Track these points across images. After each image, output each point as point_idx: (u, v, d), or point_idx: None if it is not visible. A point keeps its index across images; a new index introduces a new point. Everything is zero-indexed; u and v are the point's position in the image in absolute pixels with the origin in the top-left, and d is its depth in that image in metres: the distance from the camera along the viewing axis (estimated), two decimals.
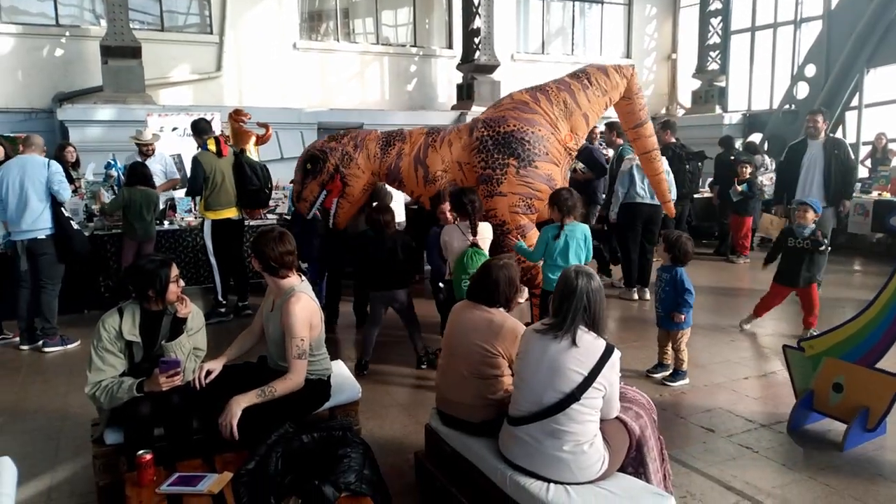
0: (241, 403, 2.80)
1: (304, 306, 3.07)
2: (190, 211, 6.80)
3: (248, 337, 3.41)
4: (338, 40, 12.16)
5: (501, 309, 2.91)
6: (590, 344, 2.46)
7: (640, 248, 6.70)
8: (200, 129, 6.16)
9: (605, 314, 2.57)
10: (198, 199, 6.37)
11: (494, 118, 4.95)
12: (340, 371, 3.62)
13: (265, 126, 6.80)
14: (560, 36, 14.23)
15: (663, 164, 5.85)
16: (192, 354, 3.10)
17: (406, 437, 3.76)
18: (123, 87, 9.22)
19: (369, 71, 12.31)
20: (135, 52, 9.28)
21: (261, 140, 7.27)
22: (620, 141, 6.98)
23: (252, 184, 6.06)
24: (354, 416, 3.51)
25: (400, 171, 5.08)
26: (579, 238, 4.43)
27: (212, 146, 5.96)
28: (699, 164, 8.30)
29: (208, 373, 3.04)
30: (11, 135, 7.56)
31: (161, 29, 10.67)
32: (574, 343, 2.42)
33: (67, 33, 9.93)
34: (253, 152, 6.93)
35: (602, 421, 2.50)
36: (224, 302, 6.08)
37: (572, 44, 14.23)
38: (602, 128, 7.78)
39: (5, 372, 4.89)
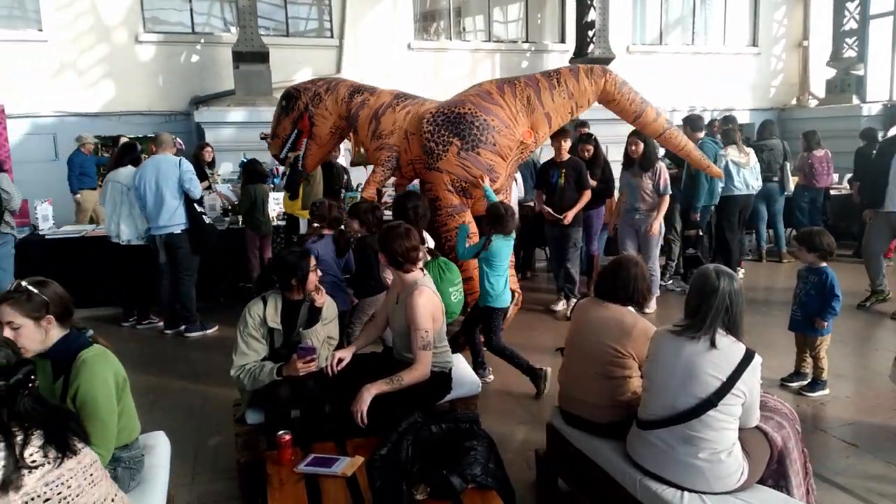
0: (371, 391, 2.91)
1: (428, 299, 3.15)
2: None
3: (373, 328, 3.55)
4: (450, 39, 12.30)
5: (631, 308, 2.84)
6: (728, 347, 2.34)
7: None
8: None
9: (744, 317, 2.45)
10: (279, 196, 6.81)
11: (454, 100, 5.10)
12: (459, 365, 3.67)
13: None
14: (679, 25, 13.63)
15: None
16: (326, 343, 3.25)
17: (524, 433, 3.77)
18: (253, 90, 9.79)
19: (481, 68, 12.35)
20: (263, 56, 9.83)
21: None
22: (700, 135, 6.73)
23: (338, 183, 6.43)
24: (474, 410, 3.55)
25: (358, 118, 5.32)
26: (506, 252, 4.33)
27: None
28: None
29: (339, 360, 3.18)
30: (153, 135, 8.24)
31: (286, 34, 11.23)
32: (713, 345, 2.32)
33: (202, 40, 10.68)
34: None
35: (741, 430, 2.38)
36: None
37: (693, 33, 13.59)
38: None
39: (153, 354, 5.35)
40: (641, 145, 5.90)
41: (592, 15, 11.63)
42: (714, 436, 2.31)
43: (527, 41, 12.69)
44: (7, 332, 2.22)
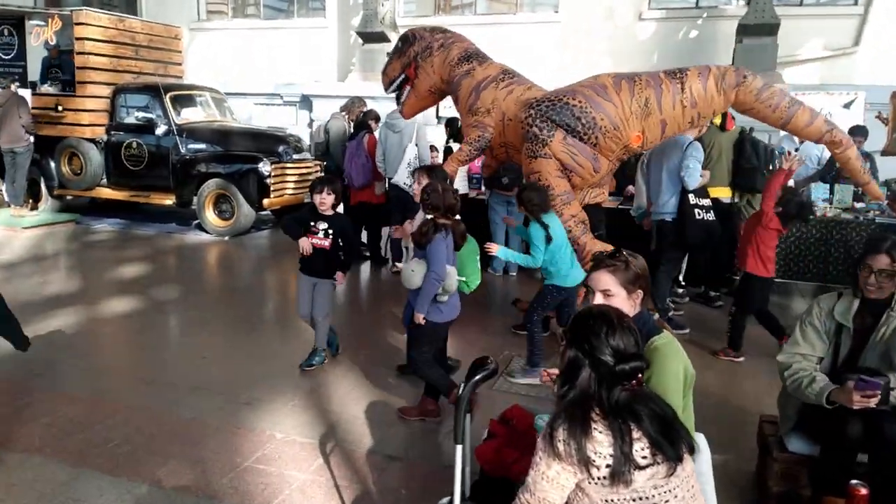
0: None
1: None
2: (828, 200, 6.12)
3: None
4: None
5: None
6: None
7: None
8: None
9: None
10: None
11: (566, 89, 4.72)
12: None
13: None
14: None
15: None
16: None
17: None
18: (754, 65, 8.89)
19: None
20: (772, 29, 8.90)
21: None
22: None
23: (750, 162, 5.52)
24: None
25: (460, 87, 5.10)
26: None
27: (717, 119, 5.48)
28: None
29: None
30: None
31: (799, 3, 9.99)
32: None
33: (705, 14, 10.25)
34: None
35: None
36: None
37: None
38: None
39: None
40: None
41: None
42: None
43: None
44: (598, 300, 2.18)
